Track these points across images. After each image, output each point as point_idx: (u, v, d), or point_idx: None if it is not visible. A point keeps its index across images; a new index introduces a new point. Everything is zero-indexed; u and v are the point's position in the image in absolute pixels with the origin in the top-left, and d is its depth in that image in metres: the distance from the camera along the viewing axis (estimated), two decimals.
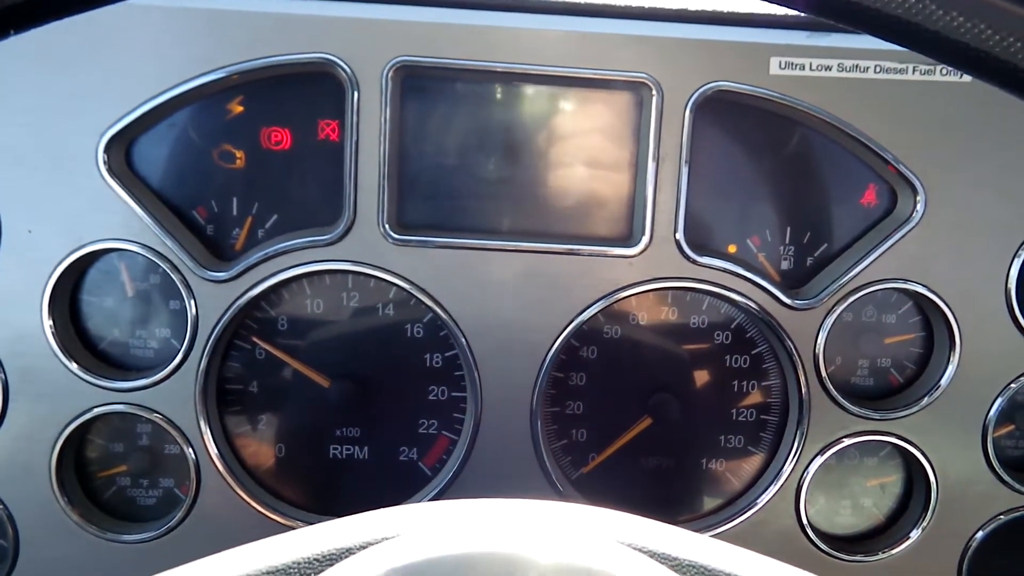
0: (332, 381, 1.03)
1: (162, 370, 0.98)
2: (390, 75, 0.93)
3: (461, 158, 1.00)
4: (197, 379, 0.98)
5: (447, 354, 1.04)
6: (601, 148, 1.00)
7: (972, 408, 1.03)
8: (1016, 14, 0.41)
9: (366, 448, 1.06)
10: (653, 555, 0.43)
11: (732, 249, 1.04)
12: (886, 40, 0.44)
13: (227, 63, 0.93)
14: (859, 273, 1.00)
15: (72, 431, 0.97)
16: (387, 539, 0.42)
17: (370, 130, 0.95)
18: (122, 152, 0.96)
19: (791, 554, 1.05)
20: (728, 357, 1.07)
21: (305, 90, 0.98)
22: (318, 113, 0.98)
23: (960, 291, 1.01)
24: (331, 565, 0.42)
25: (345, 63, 0.93)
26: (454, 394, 1.05)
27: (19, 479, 0.98)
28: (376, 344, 1.04)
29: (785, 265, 1.05)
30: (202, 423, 0.99)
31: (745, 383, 1.07)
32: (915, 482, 1.08)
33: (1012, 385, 1.03)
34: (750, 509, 1.05)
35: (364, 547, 0.42)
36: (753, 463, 1.09)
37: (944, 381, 1.02)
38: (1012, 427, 1.08)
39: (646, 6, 0.97)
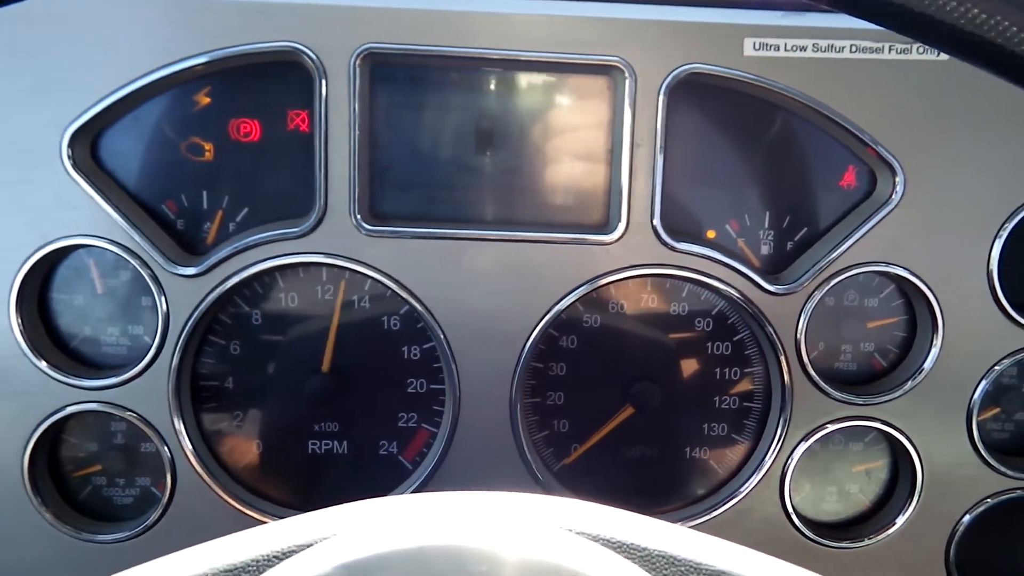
0: (309, 376, 1.02)
1: (134, 367, 0.96)
2: (358, 63, 0.92)
3: (434, 147, 0.99)
4: (170, 376, 0.96)
5: (425, 346, 1.03)
6: (576, 134, 0.99)
7: (956, 391, 1.02)
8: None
9: (345, 442, 1.05)
10: (603, 542, 0.42)
11: (711, 235, 1.03)
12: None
13: (192, 53, 0.91)
14: (839, 256, 0.99)
15: (44, 431, 0.96)
16: (330, 536, 0.41)
17: (340, 120, 0.94)
18: (87, 146, 0.95)
19: (776, 541, 1.04)
20: (710, 344, 1.06)
21: (273, 80, 0.96)
22: (287, 103, 0.97)
23: (941, 273, 0.99)
24: (272, 566, 0.41)
25: (312, 51, 0.91)
26: (433, 386, 1.04)
27: None
28: (352, 337, 1.03)
29: (765, 250, 1.04)
30: (176, 421, 0.97)
31: (727, 370, 1.06)
32: (900, 467, 1.07)
33: (996, 367, 1.01)
34: (734, 497, 1.04)
35: (308, 545, 0.41)
36: (737, 451, 1.08)
37: (927, 364, 1.01)
38: (997, 410, 1.07)
39: None
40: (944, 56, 0.95)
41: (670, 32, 0.94)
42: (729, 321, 1.05)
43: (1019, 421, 1.08)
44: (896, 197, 0.97)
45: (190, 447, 0.98)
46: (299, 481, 1.06)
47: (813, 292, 1.00)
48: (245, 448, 1.04)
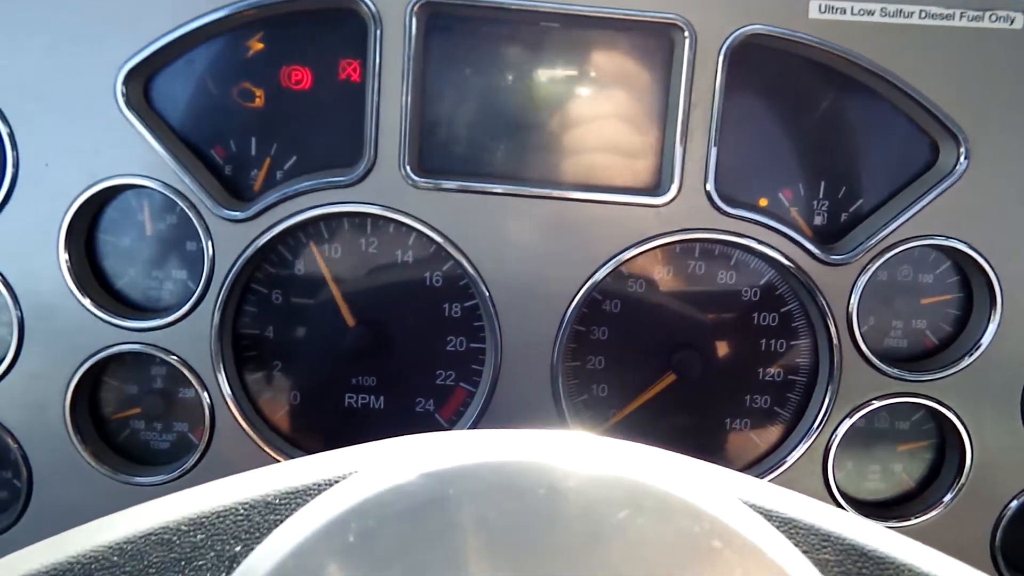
0: (348, 328, 1.01)
1: (177, 311, 0.96)
2: (414, 12, 0.90)
3: (485, 101, 0.97)
4: (213, 321, 0.96)
5: (466, 304, 1.02)
6: (630, 94, 0.97)
7: (1011, 372, 0.99)
8: None
9: (382, 398, 1.05)
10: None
11: (763, 203, 1.01)
12: None
13: None
14: (897, 228, 0.96)
15: (87, 370, 0.96)
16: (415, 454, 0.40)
17: (392, 70, 0.92)
18: (140, 87, 0.94)
19: None
20: (756, 315, 1.04)
21: (327, 28, 0.95)
22: (340, 52, 0.96)
23: (1002, 248, 0.96)
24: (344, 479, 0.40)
25: (368, 0, 0.90)
26: (472, 345, 1.03)
27: (33, 418, 0.97)
28: (394, 292, 1.02)
29: (818, 221, 1.01)
30: (217, 366, 0.97)
31: (773, 342, 1.04)
32: (948, 447, 1.05)
33: None
34: (776, 470, 1.02)
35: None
36: (778, 424, 1.06)
37: (985, 341, 0.98)
38: None
39: None
40: (1018, 24, 0.91)
41: None
42: (777, 292, 1.03)
43: None
44: (960, 169, 0.94)
45: (230, 393, 0.98)
46: (334, 434, 1.06)
47: (867, 264, 0.97)
48: (283, 398, 1.04)
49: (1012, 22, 0.92)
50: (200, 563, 0.45)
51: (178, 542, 0.45)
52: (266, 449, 0.99)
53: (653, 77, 0.96)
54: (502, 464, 0.38)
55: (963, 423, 1.00)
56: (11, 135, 0.92)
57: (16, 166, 0.92)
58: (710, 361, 1.04)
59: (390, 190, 0.95)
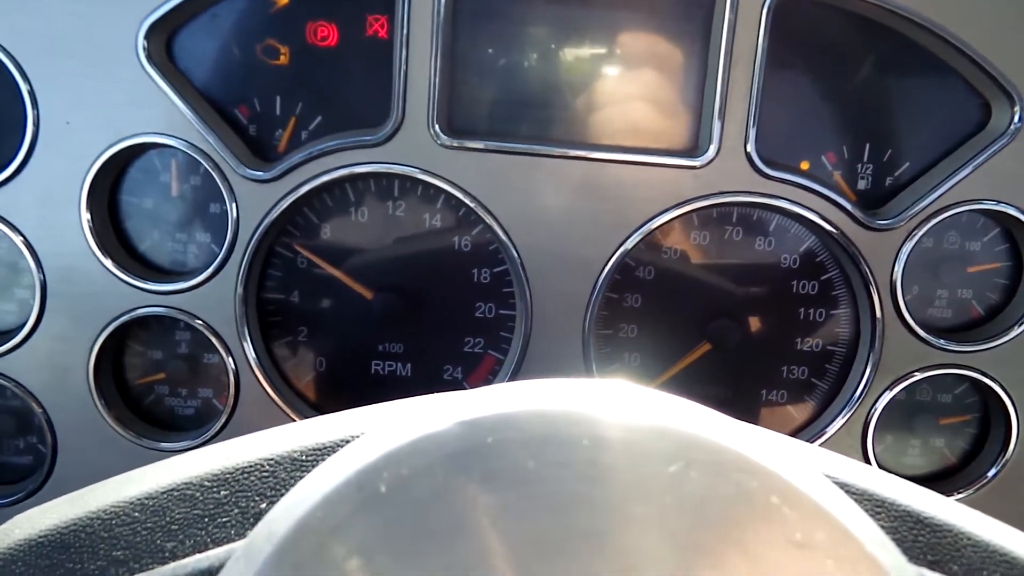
0: (375, 293, 0.99)
1: (201, 274, 0.94)
2: None
3: (516, 60, 0.94)
4: (238, 284, 0.94)
5: (496, 269, 0.99)
6: (667, 49, 0.93)
7: None
8: None
9: (409, 365, 1.02)
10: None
11: (805, 166, 0.97)
12: None
13: None
14: (945, 192, 0.92)
15: (110, 333, 0.95)
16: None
17: (421, 27, 0.89)
18: (163, 43, 0.92)
19: None
20: (795, 282, 1.00)
21: None
22: (367, 8, 0.93)
23: None
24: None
25: None
26: (501, 312, 1.00)
27: (57, 382, 0.96)
28: (421, 256, 1.00)
29: (862, 185, 0.97)
30: (242, 330, 0.95)
31: (813, 311, 1.01)
32: (993, 421, 1.01)
33: None
34: (815, 441, 0.99)
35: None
36: (816, 396, 1.02)
37: None
38: None
39: None
40: None
41: None
42: (818, 259, 0.99)
43: None
44: (1013, 128, 0.90)
45: (255, 358, 0.96)
46: (361, 402, 1.02)
47: (913, 231, 0.93)
48: (308, 364, 1.02)
49: None
50: (224, 520, 0.43)
51: (201, 498, 0.43)
52: (292, 416, 0.98)
53: (692, 33, 0.92)
54: (543, 412, 0.35)
55: (1009, 396, 0.97)
56: (31, 92, 0.90)
57: (37, 124, 0.90)
58: (746, 330, 1.01)
59: (418, 150, 0.92)
